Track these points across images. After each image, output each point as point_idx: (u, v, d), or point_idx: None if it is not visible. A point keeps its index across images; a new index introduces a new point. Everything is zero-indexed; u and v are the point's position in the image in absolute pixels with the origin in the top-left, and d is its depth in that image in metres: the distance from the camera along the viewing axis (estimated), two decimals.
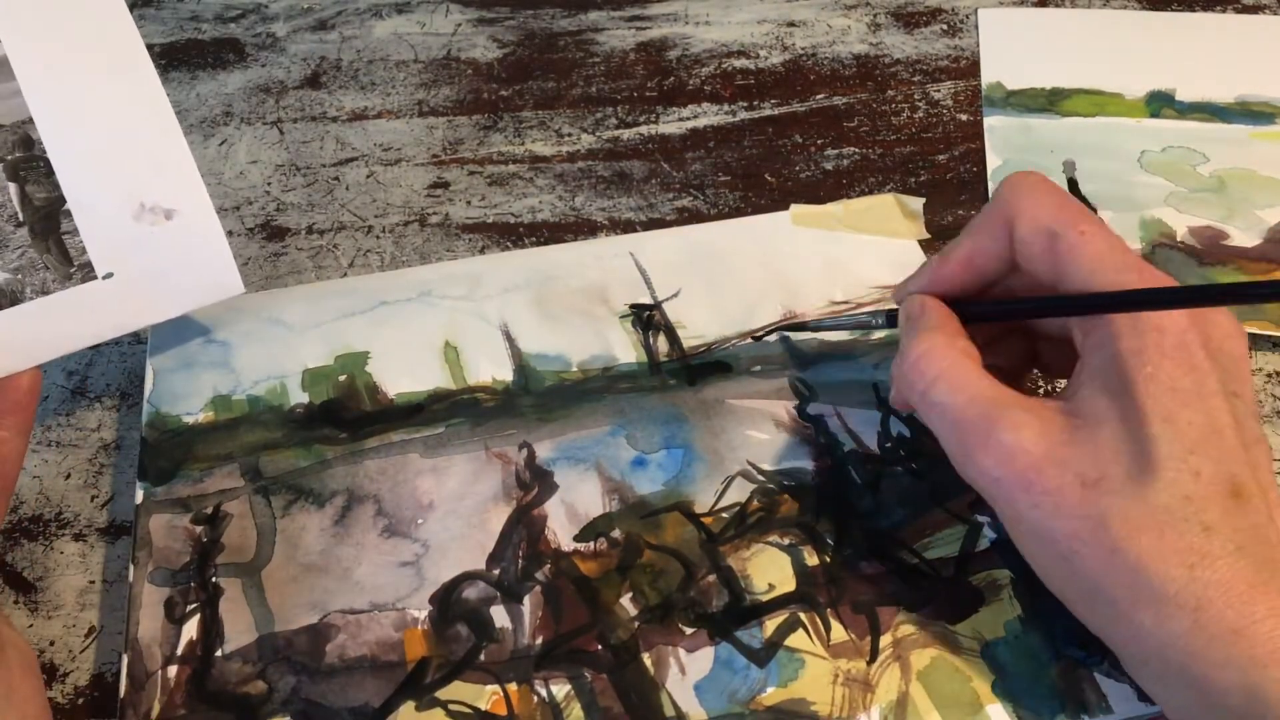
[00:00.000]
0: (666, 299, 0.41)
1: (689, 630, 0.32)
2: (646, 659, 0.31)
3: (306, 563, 0.33)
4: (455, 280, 0.42)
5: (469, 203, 0.47)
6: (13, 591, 0.35)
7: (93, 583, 0.35)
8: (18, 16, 0.34)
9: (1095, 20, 0.56)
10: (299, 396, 0.38)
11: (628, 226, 0.46)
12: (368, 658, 0.31)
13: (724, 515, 0.34)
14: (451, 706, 0.30)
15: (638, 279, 0.42)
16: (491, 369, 0.39)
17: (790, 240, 0.43)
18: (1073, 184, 0.46)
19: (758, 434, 0.37)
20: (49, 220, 0.34)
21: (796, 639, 0.32)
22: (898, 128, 0.51)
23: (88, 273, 0.34)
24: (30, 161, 0.34)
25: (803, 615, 0.32)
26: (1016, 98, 0.51)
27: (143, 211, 0.34)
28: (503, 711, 0.30)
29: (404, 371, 0.39)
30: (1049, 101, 0.51)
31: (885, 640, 0.31)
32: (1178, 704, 0.26)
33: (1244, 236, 0.44)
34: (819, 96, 0.53)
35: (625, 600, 0.32)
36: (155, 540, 0.34)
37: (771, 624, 0.32)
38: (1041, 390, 0.39)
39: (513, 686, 0.31)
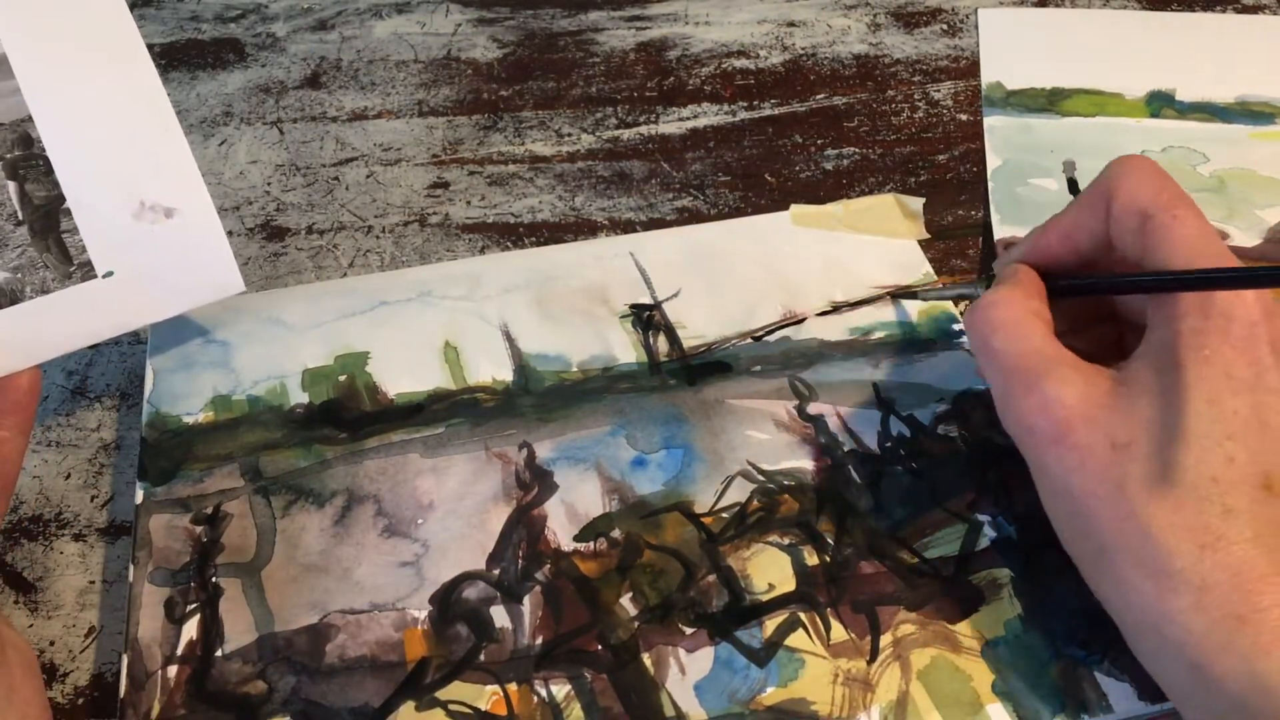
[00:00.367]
0: (666, 299, 0.41)
1: (689, 630, 0.32)
2: (646, 659, 0.31)
3: (306, 563, 0.33)
4: (455, 280, 0.42)
5: (469, 203, 0.47)
6: (13, 591, 0.35)
7: (93, 583, 0.35)
8: (17, 14, 0.34)
9: (1095, 20, 0.56)
10: (299, 396, 0.38)
11: (628, 226, 0.46)
12: (368, 658, 0.31)
13: (724, 515, 0.34)
14: (451, 706, 0.30)
15: (638, 279, 0.42)
16: (491, 369, 0.39)
17: (790, 240, 0.44)
18: (1073, 184, 0.46)
19: (758, 434, 0.37)
20: (48, 219, 0.34)
21: (796, 639, 0.32)
22: (898, 128, 0.51)
23: (87, 271, 0.34)
24: (29, 160, 0.34)
25: (803, 615, 0.32)
26: (1016, 98, 0.51)
27: (143, 210, 0.34)
28: (503, 711, 0.30)
29: (404, 371, 0.39)
30: (1049, 101, 0.51)
31: (885, 640, 0.31)
32: (1173, 682, 0.26)
33: (1244, 236, 0.44)
34: (819, 96, 0.53)
35: (625, 600, 0.32)
36: (155, 540, 0.34)
37: (771, 624, 0.32)
38: None
39: (513, 686, 0.31)
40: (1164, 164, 0.47)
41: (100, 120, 0.34)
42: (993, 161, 0.48)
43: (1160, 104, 0.50)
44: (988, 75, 0.53)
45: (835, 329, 0.40)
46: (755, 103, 0.52)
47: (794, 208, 0.45)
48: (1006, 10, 0.57)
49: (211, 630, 0.32)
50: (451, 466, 0.36)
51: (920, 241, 0.44)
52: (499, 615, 0.32)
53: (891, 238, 0.44)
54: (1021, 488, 0.35)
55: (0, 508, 0.31)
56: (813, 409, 0.37)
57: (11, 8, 0.34)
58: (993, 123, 0.50)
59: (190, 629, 0.32)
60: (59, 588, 0.35)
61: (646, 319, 0.40)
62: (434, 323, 0.40)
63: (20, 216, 0.34)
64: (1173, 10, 0.57)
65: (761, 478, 0.35)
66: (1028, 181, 0.47)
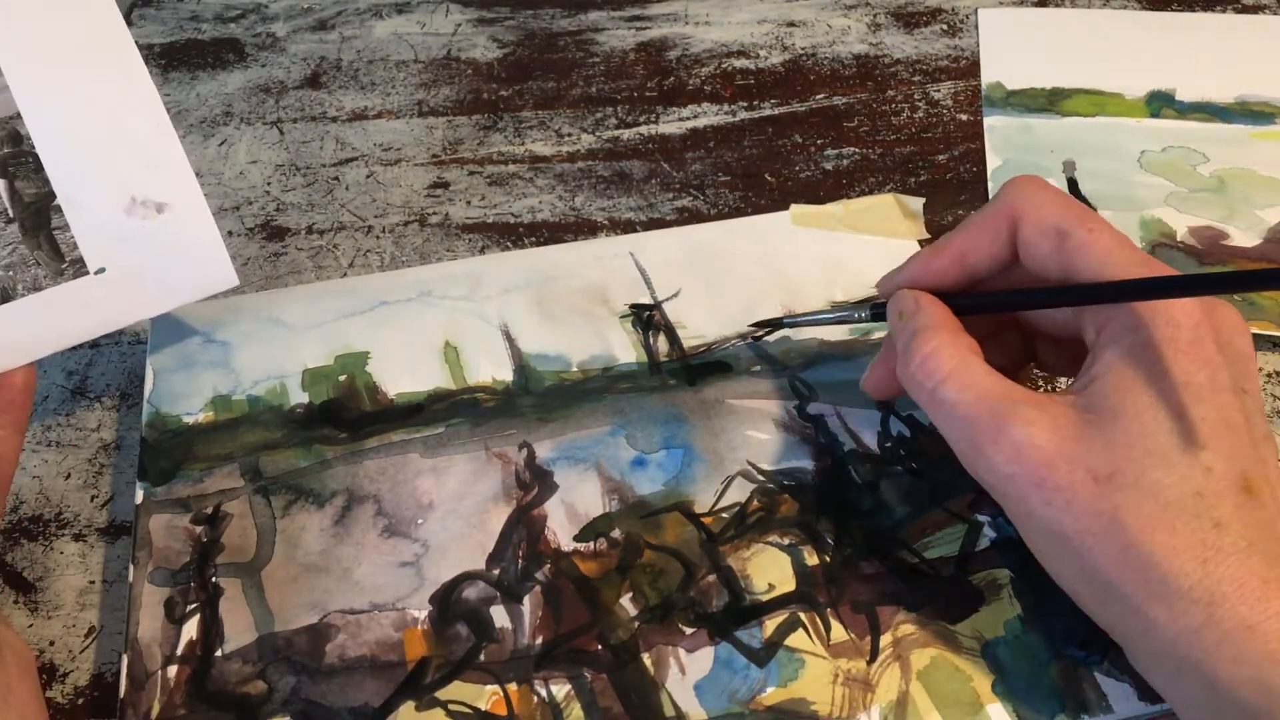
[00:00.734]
0: (666, 299, 0.41)
1: (689, 630, 0.32)
2: (646, 659, 0.31)
3: (306, 563, 0.33)
4: (455, 280, 0.42)
5: (469, 203, 0.47)
6: (13, 591, 0.35)
7: (93, 583, 0.35)
8: (2, 10, 0.33)
9: (1095, 20, 0.56)
10: (299, 396, 0.38)
11: (628, 226, 0.46)
12: (368, 658, 0.31)
13: (724, 515, 0.34)
14: (451, 706, 0.30)
15: (638, 279, 0.42)
16: (491, 369, 0.39)
17: (790, 240, 0.44)
18: (1073, 184, 0.46)
19: (758, 434, 0.37)
20: (39, 216, 0.34)
21: (796, 639, 0.32)
22: (898, 128, 0.51)
23: (79, 268, 0.34)
24: (19, 157, 0.34)
25: (803, 615, 0.32)
26: (1016, 98, 0.51)
27: (134, 205, 0.34)
28: (503, 711, 0.30)
29: (404, 371, 0.39)
30: (1049, 101, 0.51)
31: (885, 640, 0.31)
32: (1187, 700, 0.26)
33: (1244, 236, 0.44)
34: (819, 96, 0.53)
35: (625, 600, 0.32)
36: (155, 540, 0.34)
37: (771, 624, 0.32)
38: (1042, 389, 0.39)
39: (513, 686, 0.31)
40: (1164, 164, 0.47)
41: (89, 116, 0.34)
42: (993, 161, 0.48)
43: (1160, 104, 0.50)
44: (988, 75, 0.53)
45: (835, 329, 0.40)
46: (755, 103, 0.52)
47: (794, 208, 0.45)
48: (1006, 10, 0.57)
49: (211, 630, 0.32)
50: (451, 466, 0.36)
51: (920, 241, 0.44)
52: (499, 615, 0.32)
53: (891, 238, 0.44)
54: None
55: None
56: (813, 409, 0.37)
57: None
58: (993, 123, 0.50)
59: (190, 629, 0.32)
60: (59, 588, 0.35)
61: (646, 319, 0.40)
62: (434, 323, 0.40)
63: (10, 214, 0.34)
64: (1173, 10, 0.57)
65: (761, 478, 0.35)
66: None
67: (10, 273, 0.34)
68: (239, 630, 0.32)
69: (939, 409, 0.29)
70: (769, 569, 0.33)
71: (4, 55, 0.33)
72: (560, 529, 0.34)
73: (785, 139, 0.50)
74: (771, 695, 0.30)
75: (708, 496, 0.35)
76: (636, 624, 0.32)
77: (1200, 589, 0.25)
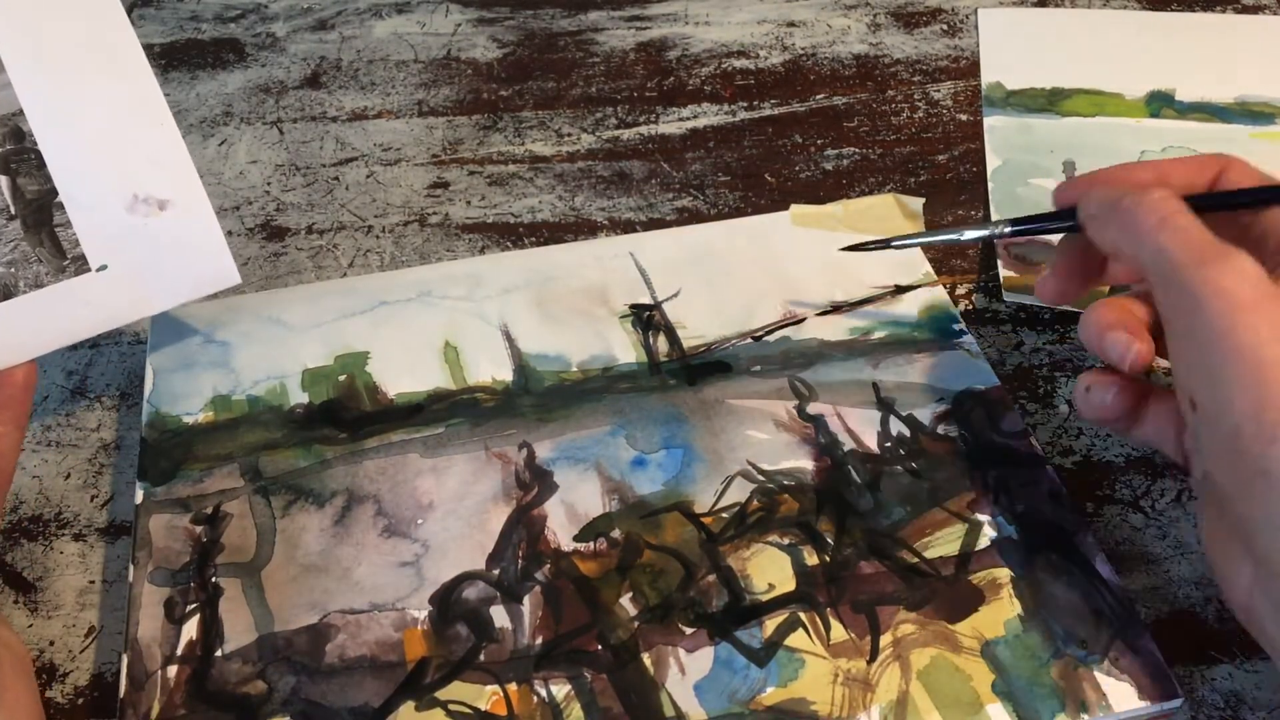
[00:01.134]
0: (666, 299, 0.41)
1: (689, 630, 0.32)
2: (646, 659, 0.31)
3: (306, 563, 0.33)
4: (455, 280, 0.42)
5: (469, 203, 0.47)
6: (13, 591, 0.35)
7: (93, 583, 0.35)
8: (6, 7, 0.33)
9: (1095, 20, 0.56)
10: (299, 396, 0.38)
11: (628, 226, 0.46)
12: (367, 658, 0.31)
13: (724, 515, 0.34)
14: (451, 706, 0.30)
15: (638, 279, 0.42)
16: (491, 369, 0.39)
17: (790, 240, 0.44)
18: None
19: (758, 434, 0.37)
20: (41, 213, 0.34)
21: (796, 639, 0.32)
22: (898, 128, 0.51)
23: (81, 265, 0.34)
24: (21, 154, 0.34)
25: (803, 615, 0.32)
26: (1016, 98, 0.51)
27: (136, 203, 0.34)
28: (503, 711, 0.30)
29: (404, 371, 0.39)
30: (1049, 101, 0.51)
31: (885, 640, 0.31)
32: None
33: None
34: (819, 96, 0.53)
35: (625, 600, 0.32)
36: (155, 540, 0.34)
37: (771, 624, 0.32)
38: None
39: (513, 686, 0.31)
40: None
41: (92, 113, 0.34)
42: (993, 161, 0.48)
43: (1160, 104, 0.50)
44: (988, 75, 0.53)
45: (835, 329, 0.40)
46: (755, 103, 0.52)
47: (794, 208, 0.45)
48: (1006, 10, 0.57)
49: (211, 630, 0.32)
50: (451, 466, 0.36)
51: None
52: (499, 615, 0.32)
53: None
54: (1021, 487, 0.35)
55: None
56: (813, 409, 0.37)
57: (1, 1, 0.34)
58: (993, 123, 0.50)
59: (190, 629, 0.32)
60: (59, 588, 0.35)
61: (646, 319, 0.40)
62: (434, 323, 0.40)
63: (12, 211, 0.34)
64: (1173, 10, 0.57)
65: (761, 478, 0.35)
66: (1028, 181, 0.47)
67: (12, 269, 0.34)
68: (239, 630, 0.32)
69: (1170, 229, 0.29)
70: (769, 569, 0.33)
71: (7, 52, 0.33)
72: (560, 529, 0.34)
73: (785, 139, 0.50)
74: (771, 695, 0.30)
75: (708, 496, 0.35)
76: (636, 624, 0.32)
77: None
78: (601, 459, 0.36)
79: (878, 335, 0.40)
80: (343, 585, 0.33)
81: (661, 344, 0.40)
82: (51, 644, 0.33)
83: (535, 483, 0.35)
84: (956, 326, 0.40)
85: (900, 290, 0.41)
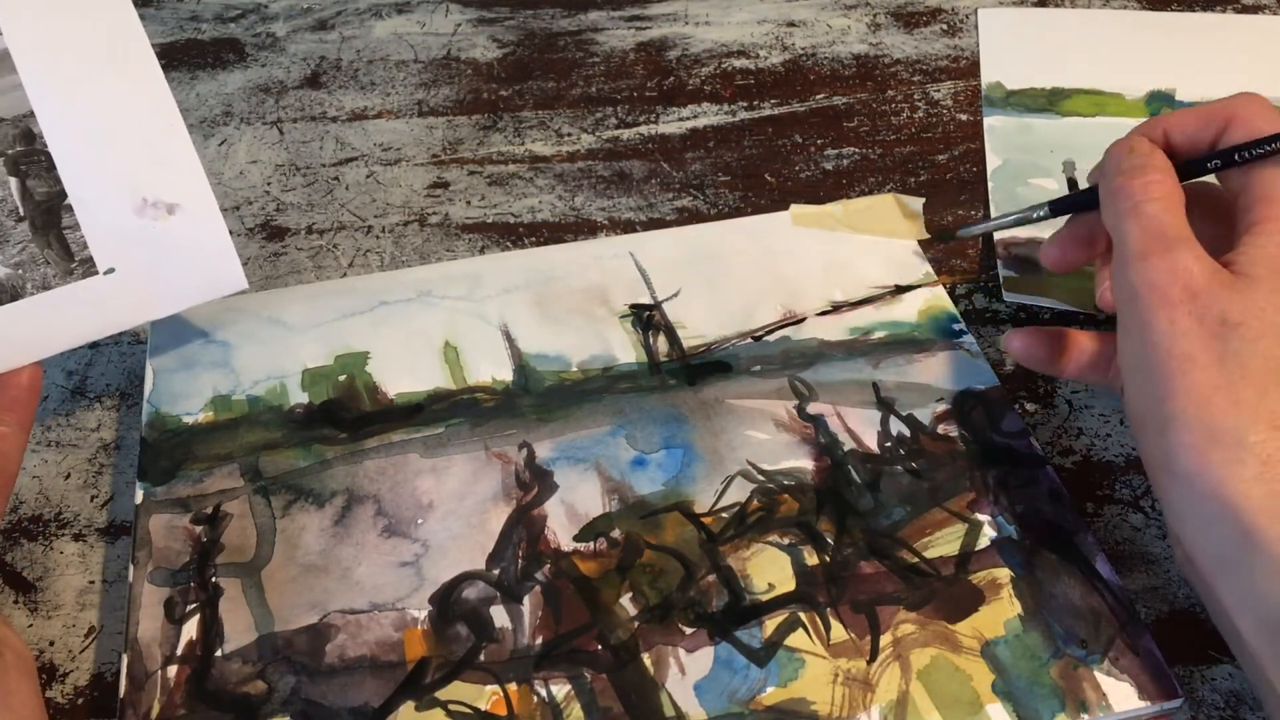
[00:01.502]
0: (666, 299, 0.41)
1: (689, 630, 0.32)
2: (646, 659, 0.31)
3: (306, 563, 0.33)
4: (455, 280, 0.42)
5: (469, 203, 0.47)
6: (13, 591, 0.35)
7: (93, 583, 0.35)
8: (19, 9, 0.33)
9: (1095, 20, 0.56)
10: (299, 396, 0.38)
11: (628, 226, 0.46)
12: (367, 658, 0.31)
13: (724, 515, 0.34)
14: (451, 706, 0.30)
15: (638, 279, 0.42)
16: (491, 369, 0.39)
17: (790, 240, 0.44)
18: (1072, 184, 0.46)
19: (758, 434, 0.37)
20: (50, 215, 0.34)
21: (796, 639, 0.32)
22: (898, 128, 0.51)
23: (89, 268, 0.34)
24: (31, 156, 0.34)
25: (803, 615, 0.32)
26: (1016, 98, 0.51)
27: (145, 206, 0.34)
28: (503, 711, 0.30)
29: (404, 371, 0.39)
30: (1049, 101, 0.51)
31: (885, 640, 0.31)
32: (1216, 553, 0.28)
33: None
34: (819, 96, 0.53)
35: (625, 600, 0.32)
36: (155, 540, 0.34)
37: (771, 624, 0.32)
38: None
39: (512, 686, 0.31)
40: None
41: (102, 116, 0.34)
42: (993, 161, 0.48)
43: (1160, 104, 0.50)
44: (988, 75, 0.53)
45: (835, 329, 0.40)
46: (755, 103, 0.52)
47: (794, 208, 0.45)
48: (1006, 10, 0.57)
49: (211, 630, 0.32)
50: (451, 466, 0.36)
51: (920, 241, 0.44)
52: (499, 615, 0.32)
53: (891, 238, 0.44)
54: (1021, 487, 0.35)
55: (0, 504, 0.31)
56: (813, 409, 0.37)
57: (13, 2, 0.34)
58: (993, 123, 0.50)
59: (190, 629, 0.32)
60: (59, 588, 0.35)
61: (646, 319, 0.40)
62: (434, 323, 0.40)
63: (21, 212, 0.34)
64: (1173, 10, 0.57)
65: (761, 478, 0.35)
66: (1028, 181, 0.47)
67: (19, 271, 0.34)
68: (239, 630, 0.32)
69: (1137, 214, 0.31)
70: (769, 569, 0.33)
71: (18, 54, 0.33)
72: (560, 529, 0.34)
73: (785, 139, 0.50)
74: (771, 695, 0.30)
75: (708, 496, 0.35)
76: (636, 624, 0.32)
77: (1262, 447, 0.27)
78: (601, 459, 0.36)
79: (878, 335, 0.40)
80: (343, 585, 0.33)
81: (661, 344, 0.40)
82: (51, 644, 0.33)
83: (535, 483, 0.35)
84: (956, 326, 0.40)
85: (900, 290, 0.41)
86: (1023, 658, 0.31)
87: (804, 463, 0.36)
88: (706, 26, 0.57)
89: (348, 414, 0.37)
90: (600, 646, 0.31)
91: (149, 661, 0.31)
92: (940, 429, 0.37)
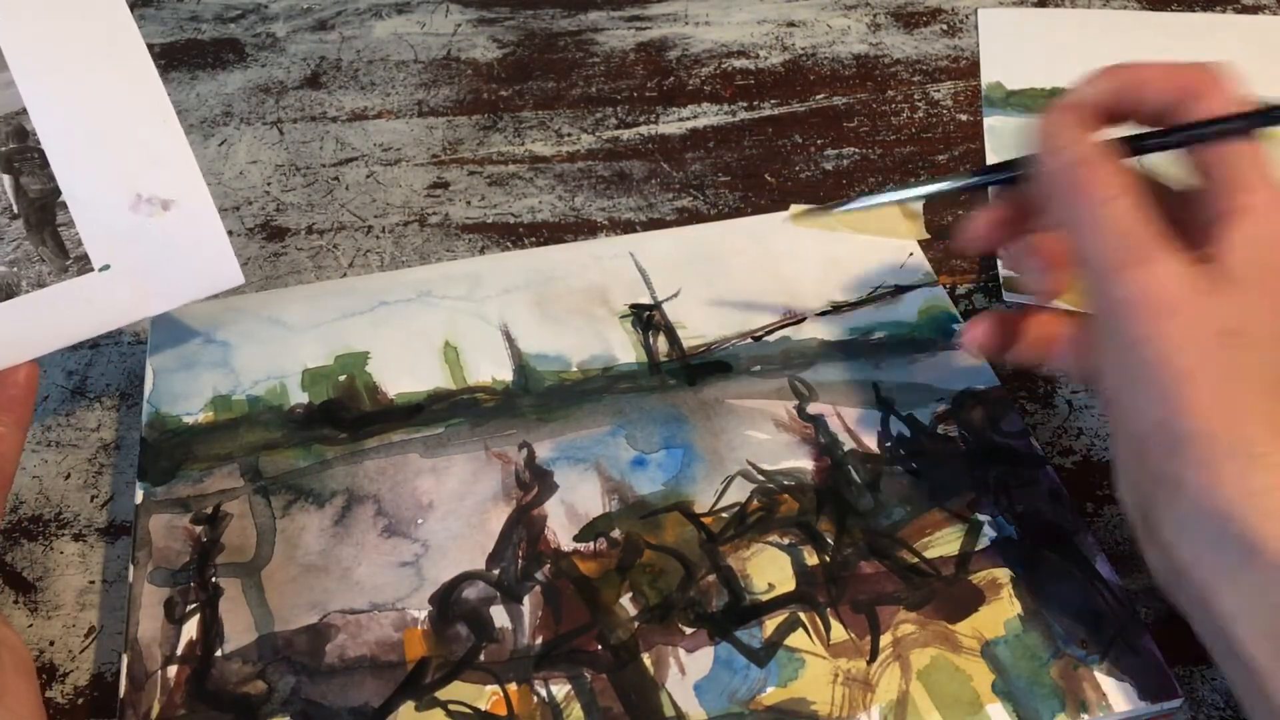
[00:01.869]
0: (666, 299, 0.41)
1: (689, 630, 0.32)
2: (646, 659, 0.31)
3: (306, 563, 0.33)
4: (455, 280, 0.42)
5: (469, 203, 0.47)
6: (13, 591, 0.35)
7: (92, 583, 0.35)
8: (10, 5, 0.33)
9: (1095, 20, 0.56)
10: (299, 396, 0.38)
11: (628, 226, 0.46)
12: (367, 658, 0.31)
13: (724, 515, 0.34)
14: (451, 706, 0.30)
15: (638, 279, 0.42)
16: (491, 369, 0.39)
17: (790, 240, 0.44)
18: None
19: (758, 434, 0.37)
20: (44, 212, 0.34)
21: (796, 639, 0.32)
22: (898, 128, 0.51)
23: (84, 265, 0.34)
24: (24, 153, 0.34)
25: (803, 615, 0.32)
26: (1016, 98, 0.51)
27: (139, 202, 0.34)
28: (503, 711, 0.30)
29: (404, 371, 0.39)
30: (1049, 101, 0.51)
31: (885, 640, 0.31)
32: (1217, 563, 0.27)
33: None
34: (819, 96, 0.53)
35: (625, 600, 0.32)
36: (155, 540, 0.34)
37: (771, 624, 0.32)
38: (1043, 389, 0.39)
39: (512, 686, 0.31)
40: (1164, 164, 0.47)
41: (96, 112, 0.34)
42: (993, 161, 0.48)
43: None
44: (988, 75, 0.53)
45: (835, 329, 0.40)
46: (755, 103, 0.52)
47: (794, 208, 0.45)
48: (1006, 10, 0.57)
49: (211, 630, 0.32)
50: (451, 466, 0.36)
51: (920, 241, 0.44)
52: (499, 615, 0.32)
53: (891, 238, 0.44)
54: (1021, 487, 0.35)
55: None
56: (813, 409, 0.37)
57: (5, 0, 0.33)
58: (993, 123, 0.50)
59: (190, 629, 0.32)
60: (59, 588, 0.35)
61: (646, 319, 0.40)
62: (434, 323, 0.40)
63: (15, 210, 0.34)
64: (1173, 10, 0.57)
65: (761, 478, 0.35)
66: None
67: (14, 269, 0.34)
68: (239, 630, 0.32)
69: (1101, 220, 0.29)
70: (769, 569, 0.33)
71: (11, 50, 0.33)
72: (560, 529, 0.34)
73: (785, 139, 0.50)
74: (771, 695, 0.30)
75: (708, 496, 0.35)
76: (636, 624, 0.32)
77: (1274, 459, 0.26)
78: (601, 459, 0.36)
79: (878, 335, 0.40)
80: (343, 585, 0.33)
81: (661, 344, 0.40)
82: (51, 644, 0.33)
83: (535, 483, 0.35)
84: (956, 327, 0.40)
85: (900, 290, 0.41)
86: (1023, 658, 0.31)
87: (804, 463, 0.36)
88: (706, 26, 0.57)
89: (348, 414, 0.37)
90: (600, 646, 0.31)
91: (149, 661, 0.31)
92: (940, 429, 0.37)
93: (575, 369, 0.39)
